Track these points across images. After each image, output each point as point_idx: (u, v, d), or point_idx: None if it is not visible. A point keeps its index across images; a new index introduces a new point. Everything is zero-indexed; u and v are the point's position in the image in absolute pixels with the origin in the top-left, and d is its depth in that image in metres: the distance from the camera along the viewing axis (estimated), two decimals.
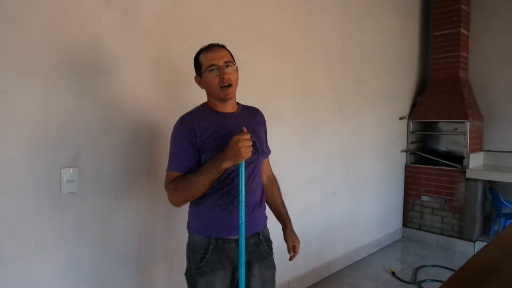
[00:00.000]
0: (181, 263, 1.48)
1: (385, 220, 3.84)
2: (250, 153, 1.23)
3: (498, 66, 3.90)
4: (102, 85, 1.67)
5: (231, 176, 1.35)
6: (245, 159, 1.24)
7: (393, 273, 3.08)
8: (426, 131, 4.21)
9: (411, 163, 4.11)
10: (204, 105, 1.44)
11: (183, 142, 1.32)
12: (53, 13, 1.50)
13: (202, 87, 1.41)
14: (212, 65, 1.33)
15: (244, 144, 1.20)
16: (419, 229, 4.00)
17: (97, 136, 1.66)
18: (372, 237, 3.63)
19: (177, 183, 1.30)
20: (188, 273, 1.42)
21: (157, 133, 1.88)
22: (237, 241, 1.36)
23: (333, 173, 3.08)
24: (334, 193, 3.10)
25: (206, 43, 1.40)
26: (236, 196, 1.35)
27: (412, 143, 4.14)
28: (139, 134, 1.81)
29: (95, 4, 1.63)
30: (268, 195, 1.62)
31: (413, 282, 2.93)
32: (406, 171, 4.10)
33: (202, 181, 1.26)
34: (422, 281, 2.92)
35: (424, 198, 3.96)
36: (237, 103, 1.48)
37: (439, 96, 3.96)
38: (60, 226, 1.56)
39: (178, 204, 1.36)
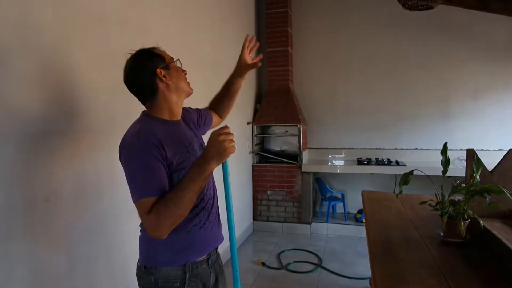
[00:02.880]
0: None
1: (241, 217, 4.17)
2: (235, 147, 1.11)
3: (313, 79, 4.89)
4: None
5: (203, 190, 1.26)
6: (230, 154, 1.11)
7: (263, 263, 3.42)
8: (264, 134, 4.81)
9: (257, 163, 4.61)
10: (149, 116, 1.24)
11: (151, 160, 1.10)
12: None
13: (168, 81, 1.22)
14: (174, 59, 1.27)
15: (227, 137, 1.08)
16: (267, 220, 4.55)
17: None
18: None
19: (158, 209, 1.06)
20: None
21: (58, 148, 1.49)
22: (207, 260, 1.29)
23: None
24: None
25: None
26: (210, 211, 1.28)
27: (256, 145, 4.65)
28: (36, 150, 1.39)
29: None
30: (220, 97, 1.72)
31: (281, 267, 3.36)
32: (253, 170, 4.58)
33: (189, 195, 1.08)
34: (288, 264, 3.38)
35: (269, 192, 4.53)
36: None
37: (275, 103, 4.61)
38: None
39: (164, 234, 1.09)
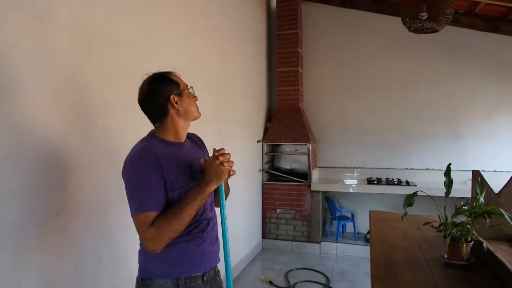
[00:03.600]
0: None
1: (250, 235, 4.18)
2: (230, 170, 1.21)
3: (323, 99, 4.94)
4: (6, 107, 1.30)
5: (199, 211, 1.31)
6: (226, 176, 1.21)
7: (270, 282, 3.41)
8: (274, 152, 4.86)
9: (266, 181, 4.64)
10: (154, 136, 1.32)
11: (151, 177, 1.19)
12: None
13: (179, 107, 1.30)
14: (188, 86, 1.35)
15: (222, 161, 1.18)
16: (276, 238, 4.54)
17: (1, 172, 1.27)
18: (243, 253, 3.89)
19: (160, 223, 1.15)
20: None
21: (70, 165, 1.57)
22: (202, 276, 1.33)
23: None
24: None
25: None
26: (205, 229, 1.32)
27: (266, 163, 4.69)
28: (51, 167, 1.47)
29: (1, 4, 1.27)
30: None
31: (289, 286, 3.34)
32: (263, 188, 4.60)
33: (189, 211, 1.18)
34: (295, 284, 3.36)
35: (279, 210, 4.53)
36: None
37: (285, 122, 4.67)
38: None
39: (161, 247, 1.17)
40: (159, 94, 1.27)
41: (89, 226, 1.67)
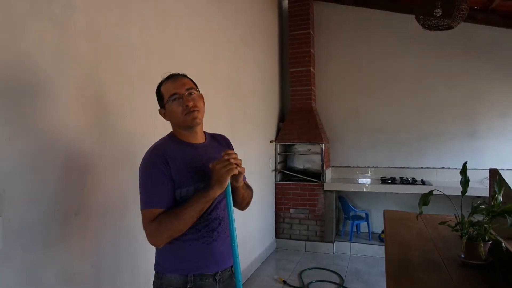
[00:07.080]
0: None
1: (264, 235, 4.19)
2: (232, 172, 1.18)
3: (336, 98, 4.92)
4: (28, 111, 1.35)
5: (208, 210, 1.31)
6: (228, 179, 1.21)
7: (284, 282, 3.41)
8: (287, 152, 4.86)
9: (279, 181, 4.65)
10: (172, 135, 1.37)
11: (159, 175, 1.23)
12: None
13: (168, 119, 1.35)
14: (174, 94, 1.28)
15: (223, 165, 1.19)
16: (290, 238, 4.54)
17: (24, 173, 1.32)
18: (256, 253, 3.91)
19: (161, 220, 1.19)
20: None
21: (88, 166, 1.61)
22: (213, 276, 1.33)
23: None
24: None
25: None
26: (215, 229, 1.33)
27: (279, 163, 4.70)
28: (70, 168, 1.51)
29: (21, 10, 1.31)
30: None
31: (303, 286, 3.33)
32: (276, 187, 4.61)
33: (191, 213, 1.20)
34: (309, 283, 3.36)
35: (292, 210, 4.53)
36: (204, 132, 1.46)
37: (298, 122, 4.67)
38: None
39: (161, 243, 1.23)
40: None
41: (107, 226, 1.71)
